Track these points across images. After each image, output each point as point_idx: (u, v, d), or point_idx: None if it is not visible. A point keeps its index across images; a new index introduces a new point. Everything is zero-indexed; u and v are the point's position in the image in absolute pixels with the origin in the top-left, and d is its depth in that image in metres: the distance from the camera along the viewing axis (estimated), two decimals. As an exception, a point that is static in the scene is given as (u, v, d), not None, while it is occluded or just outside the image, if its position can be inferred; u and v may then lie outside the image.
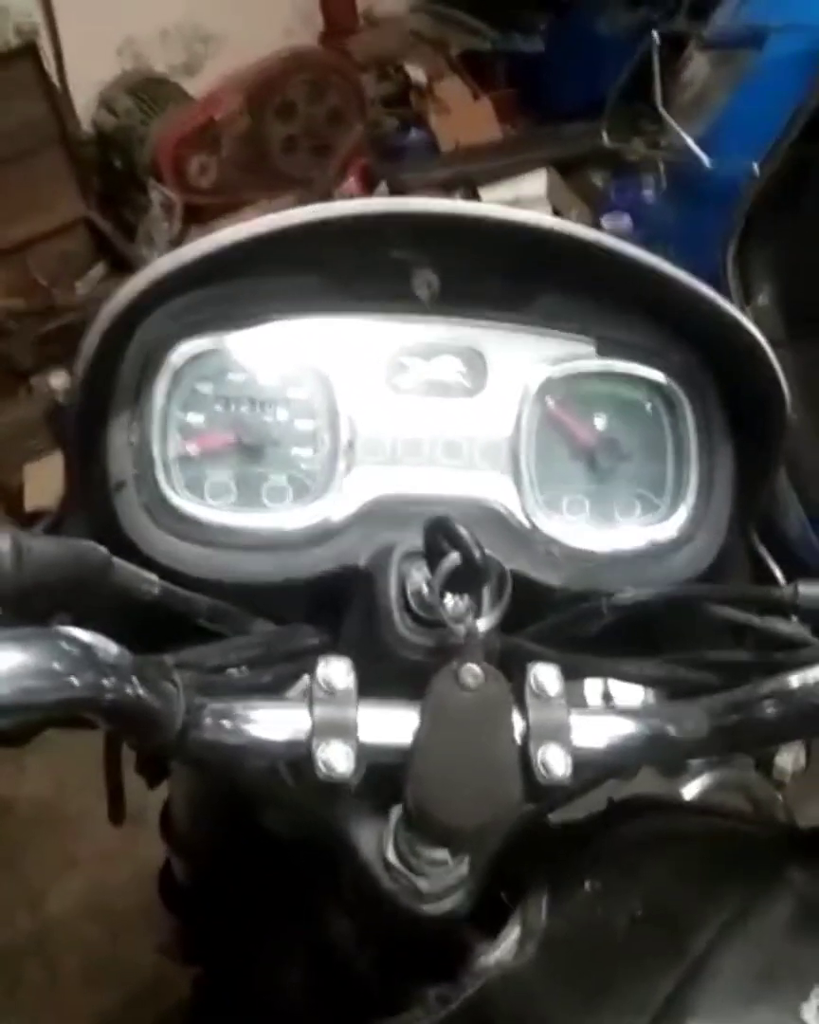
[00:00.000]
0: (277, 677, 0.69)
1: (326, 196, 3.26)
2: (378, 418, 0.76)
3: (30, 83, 3.02)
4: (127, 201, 3.34)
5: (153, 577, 0.64)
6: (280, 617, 0.74)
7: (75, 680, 0.48)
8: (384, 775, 0.61)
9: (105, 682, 0.50)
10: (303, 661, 0.70)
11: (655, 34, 1.66)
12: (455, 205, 0.72)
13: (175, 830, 1.06)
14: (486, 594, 0.63)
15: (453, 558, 0.59)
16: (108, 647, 0.51)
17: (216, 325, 0.74)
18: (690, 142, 1.56)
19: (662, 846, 0.75)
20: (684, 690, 0.69)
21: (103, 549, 0.60)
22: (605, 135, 1.80)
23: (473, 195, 3.32)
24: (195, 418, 0.75)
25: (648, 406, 0.79)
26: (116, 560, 0.61)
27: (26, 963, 2.01)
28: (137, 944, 1.89)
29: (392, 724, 0.60)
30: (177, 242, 3.20)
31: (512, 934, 0.71)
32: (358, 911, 0.76)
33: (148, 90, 3.42)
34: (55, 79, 3.20)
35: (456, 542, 0.59)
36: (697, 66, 1.71)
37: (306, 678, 0.68)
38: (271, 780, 0.66)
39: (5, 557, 0.53)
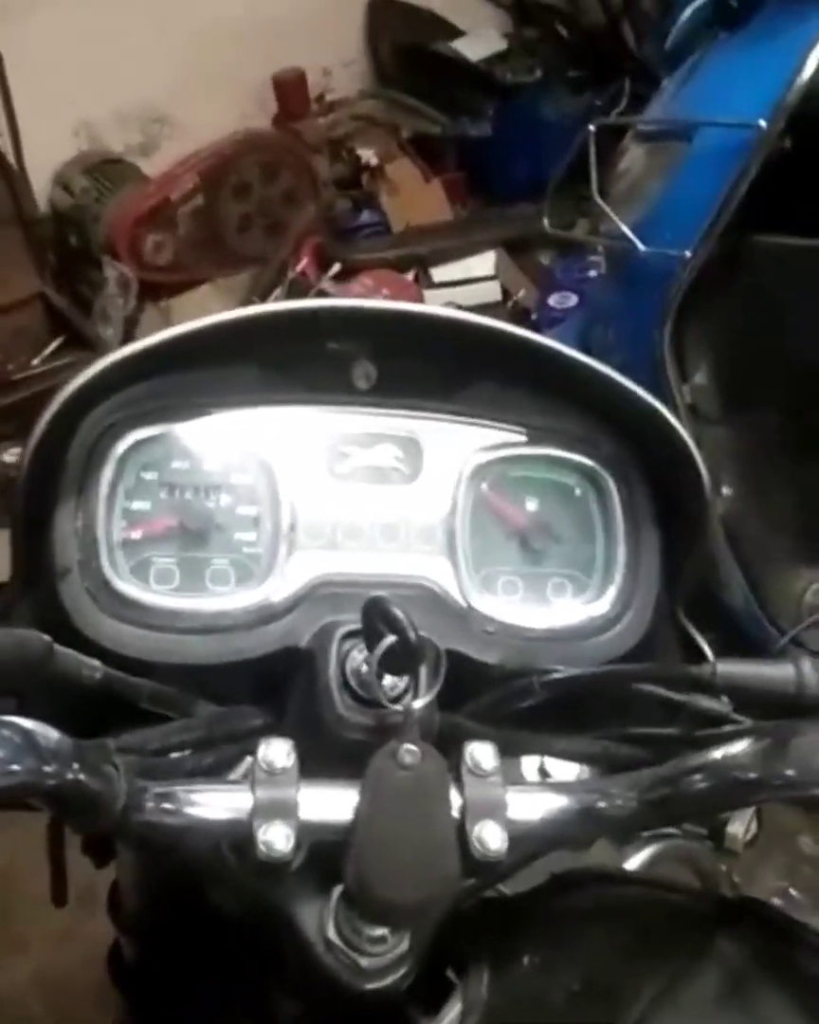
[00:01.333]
0: (220, 759, 0.71)
1: (280, 274, 3.32)
2: (319, 503, 0.79)
3: (-14, 162, 3.06)
4: (83, 278, 3.38)
5: (95, 663, 0.66)
6: (224, 698, 0.76)
7: (16, 767, 0.50)
8: (326, 854, 0.62)
9: (46, 768, 0.52)
10: (246, 742, 0.72)
11: (591, 127, 1.72)
12: (389, 305, 0.77)
13: (122, 910, 1.07)
14: (423, 674, 0.65)
15: (389, 640, 0.62)
16: (48, 733, 0.53)
17: (161, 415, 0.78)
18: (625, 229, 1.62)
19: (600, 918, 0.77)
20: (616, 765, 0.71)
21: (44, 637, 0.62)
22: (546, 221, 1.86)
23: (424, 274, 3.39)
24: (140, 504, 0.77)
25: (577, 490, 0.83)
26: (57, 648, 0.63)
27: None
28: (88, 1024, 1.87)
29: (332, 803, 0.62)
30: (132, 319, 3.25)
31: (454, 1010, 0.73)
32: (301, 990, 0.77)
33: (104, 170, 3.46)
34: (11, 159, 3.23)
35: (392, 624, 0.62)
36: (632, 156, 1.79)
37: (249, 759, 0.70)
38: (214, 860, 0.68)
39: None
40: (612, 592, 0.81)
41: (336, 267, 3.35)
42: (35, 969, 2.06)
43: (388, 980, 0.66)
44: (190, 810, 0.60)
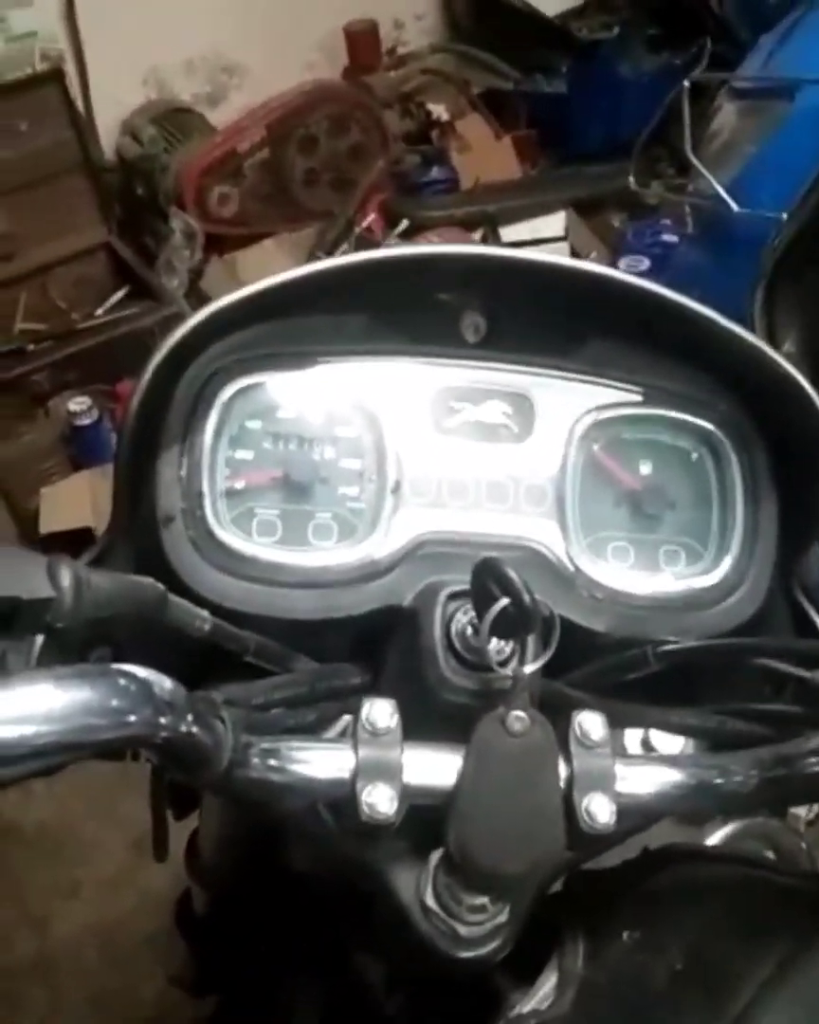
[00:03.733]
0: (320, 716, 0.69)
1: (346, 229, 3.29)
2: (425, 459, 0.77)
3: (55, 108, 3.03)
4: (148, 228, 3.36)
5: (205, 613, 0.64)
6: (323, 655, 0.74)
7: (133, 717, 0.49)
8: (425, 818, 0.61)
9: (161, 720, 0.50)
10: (346, 700, 0.70)
11: (685, 82, 1.67)
12: (507, 252, 0.73)
13: (200, 861, 1.06)
14: (532, 639, 0.63)
15: (502, 603, 0.59)
16: (164, 683, 0.52)
17: (266, 364, 0.75)
18: (720, 189, 1.57)
19: (699, 897, 0.75)
20: (730, 741, 0.69)
21: (159, 585, 0.60)
22: (632, 180, 1.81)
23: (493, 233, 3.34)
24: (243, 454, 0.75)
25: (694, 454, 0.80)
26: (171, 596, 0.61)
27: (28, 988, 2.00)
28: (141, 973, 1.89)
29: (436, 767, 0.61)
30: (197, 270, 3.23)
31: (548, 982, 0.71)
32: (391, 954, 0.76)
33: (172, 119, 3.44)
34: (80, 105, 3.21)
35: (506, 586, 0.59)
36: (726, 115, 1.73)
37: (347, 717, 0.68)
38: (312, 819, 0.67)
39: (66, 591, 0.53)
40: (727, 562, 0.77)
41: (403, 224, 3.30)
42: (88, 915, 2.08)
43: (485, 950, 0.64)
44: (294, 768, 0.59)
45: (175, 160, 3.30)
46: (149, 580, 0.60)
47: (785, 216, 1.50)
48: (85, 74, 3.29)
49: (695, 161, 1.62)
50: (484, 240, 3.40)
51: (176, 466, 0.73)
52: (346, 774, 0.59)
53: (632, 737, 0.77)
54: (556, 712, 0.64)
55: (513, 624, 0.60)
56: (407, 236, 3.32)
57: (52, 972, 2.03)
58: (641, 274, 3.10)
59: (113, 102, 3.39)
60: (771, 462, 0.79)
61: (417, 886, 0.64)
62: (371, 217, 3.32)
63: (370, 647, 0.74)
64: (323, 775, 0.59)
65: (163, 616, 0.61)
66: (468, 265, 0.74)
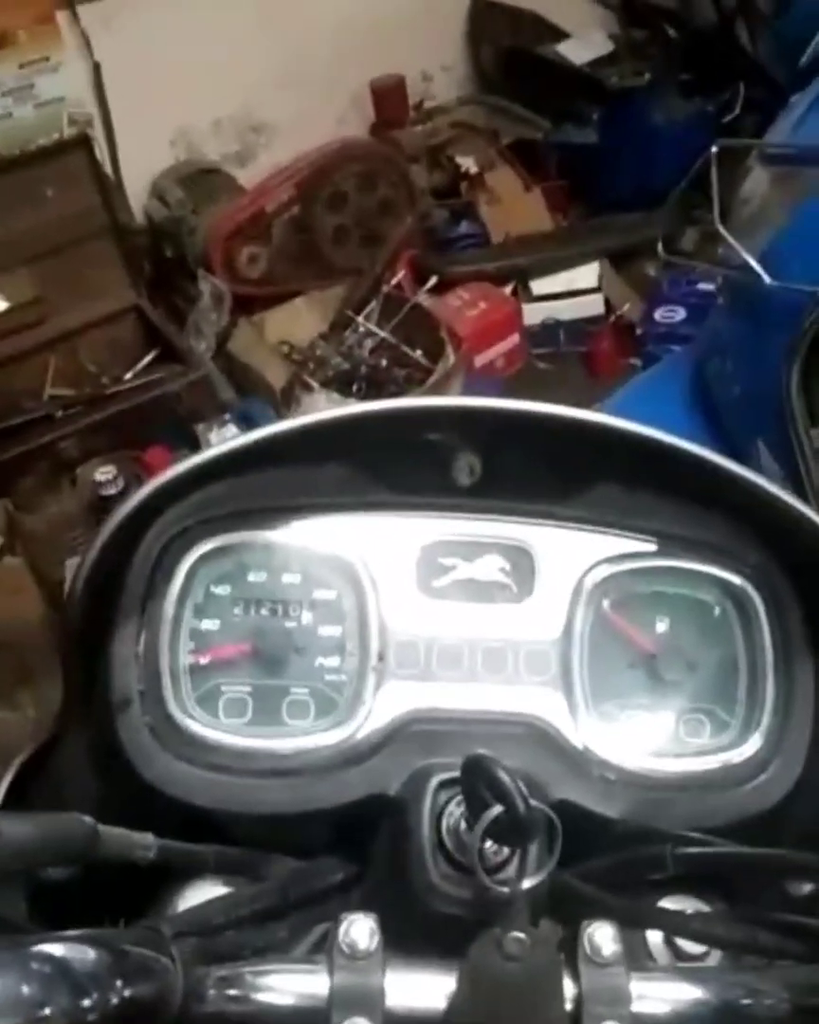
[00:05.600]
0: (293, 926, 0.62)
1: (375, 286, 3.25)
2: (412, 625, 0.70)
3: (83, 173, 3.02)
4: (177, 290, 3.34)
5: (148, 839, 0.57)
6: (299, 848, 0.67)
7: (48, 1010, 0.42)
8: None
9: (85, 1002, 0.44)
10: (325, 904, 0.64)
11: (714, 148, 1.60)
12: (501, 404, 0.67)
13: None
14: (533, 848, 0.56)
15: (494, 810, 0.53)
16: (84, 955, 0.45)
17: (234, 522, 0.69)
18: (751, 261, 1.50)
19: None
20: (764, 954, 0.61)
21: (87, 821, 0.53)
22: (660, 247, 1.74)
23: (524, 287, 3.29)
24: (209, 624, 0.69)
25: (717, 610, 0.72)
26: (103, 829, 0.54)
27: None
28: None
29: (423, 992, 0.54)
30: (225, 332, 3.20)
31: None
32: None
33: (200, 180, 3.43)
34: (108, 169, 3.22)
35: (498, 791, 0.53)
36: (756, 180, 1.66)
37: (325, 925, 0.62)
38: None
39: None
40: (758, 733, 0.69)
41: (433, 280, 3.26)
42: None
43: None
44: (259, 997, 0.53)
45: (203, 221, 3.29)
46: (73, 817, 0.53)
47: (820, 290, 1.42)
48: (112, 137, 3.29)
49: (724, 232, 1.54)
50: (515, 293, 3.35)
51: (133, 642, 0.67)
52: (320, 1004, 0.52)
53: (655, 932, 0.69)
54: (564, 914, 0.57)
55: (508, 833, 0.54)
56: (437, 291, 3.27)
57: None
58: (676, 325, 3.04)
59: (141, 164, 3.39)
60: (805, 618, 0.71)
61: None
62: (401, 273, 3.29)
63: (353, 837, 0.67)
64: (293, 1004, 0.53)
65: (96, 851, 0.54)
66: (458, 415, 0.68)
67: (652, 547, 0.72)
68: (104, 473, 2.76)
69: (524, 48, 3.72)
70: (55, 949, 0.44)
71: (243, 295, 3.26)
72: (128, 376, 3.13)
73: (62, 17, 3.08)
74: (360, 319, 3.15)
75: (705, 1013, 0.56)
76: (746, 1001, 0.56)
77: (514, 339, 3.25)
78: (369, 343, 3.11)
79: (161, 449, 2.81)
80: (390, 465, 0.71)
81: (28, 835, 0.50)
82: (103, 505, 2.78)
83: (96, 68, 3.20)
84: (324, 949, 0.56)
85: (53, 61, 3.13)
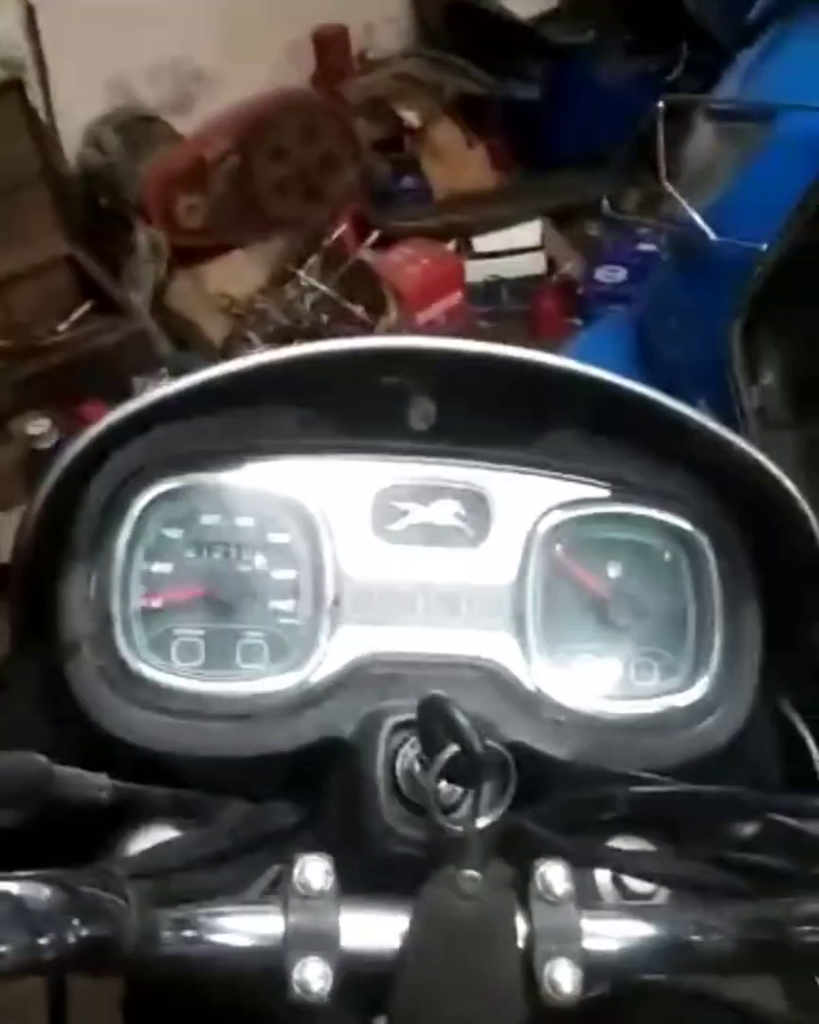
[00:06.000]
0: (248, 867, 0.62)
1: (317, 240, 3.21)
2: (367, 568, 0.69)
3: (15, 118, 2.94)
4: (113, 240, 3.26)
5: (103, 780, 0.57)
6: (252, 792, 0.67)
7: (4, 948, 0.42)
8: (368, 980, 0.54)
9: (41, 941, 0.43)
10: (277, 846, 0.63)
11: (660, 103, 1.60)
12: (458, 344, 0.66)
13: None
14: (486, 788, 0.56)
15: (450, 750, 0.53)
16: (39, 893, 0.45)
17: (187, 464, 0.68)
18: (697, 218, 1.50)
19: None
20: (711, 893, 0.62)
21: (41, 760, 0.53)
22: (606, 204, 1.74)
23: (466, 243, 3.27)
24: (161, 568, 0.68)
25: (667, 555, 0.73)
26: (58, 769, 0.53)
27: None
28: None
29: (377, 931, 0.55)
30: (163, 284, 3.14)
31: None
32: None
33: (137, 128, 3.34)
34: (42, 115, 3.13)
35: (453, 731, 0.53)
36: (702, 137, 1.66)
37: (278, 867, 0.62)
38: (238, 991, 0.60)
39: None
40: (706, 677, 0.70)
41: (375, 235, 3.23)
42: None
43: None
44: (213, 938, 0.53)
45: (140, 170, 3.21)
46: (27, 756, 0.52)
47: (764, 247, 1.43)
48: (46, 82, 3.19)
49: (670, 189, 1.54)
50: (458, 250, 3.34)
51: (84, 584, 0.65)
52: (274, 944, 0.52)
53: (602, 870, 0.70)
54: (516, 852, 0.58)
55: (464, 772, 0.54)
56: (379, 247, 3.24)
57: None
58: (618, 285, 3.05)
59: (76, 111, 3.30)
60: (753, 565, 0.71)
61: None
62: (342, 227, 3.24)
63: (306, 780, 0.67)
64: (248, 945, 0.53)
65: (51, 791, 0.53)
66: (413, 356, 0.67)
67: (605, 493, 0.72)
68: (38, 426, 2.72)
69: (468, 1, 3.67)
70: (10, 888, 0.44)
71: (181, 246, 3.20)
72: (62, 328, 3.06)
73: (-6, -44, 2.99)
74: (301, 273, 3.11)
75: (654, 949, 0.57)
76: (695, 937, 0.57)
77: (456, 296, 3.23)
78: (310, 298, 3.08)
79: (97, 403, 2.75)
80: (346, 409, 0.70)
81: None
82: (37, 459, 2.73)
83: (29, 10, 3.10)
84: (278, 891, 0.56)
85: (-16, 2, 3.04)
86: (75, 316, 3.08)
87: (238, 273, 3.23)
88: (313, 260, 3.17)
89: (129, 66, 3.40)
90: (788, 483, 0.67)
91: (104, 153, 3.30)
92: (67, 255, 3.11)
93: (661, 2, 3.54)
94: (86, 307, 3.09)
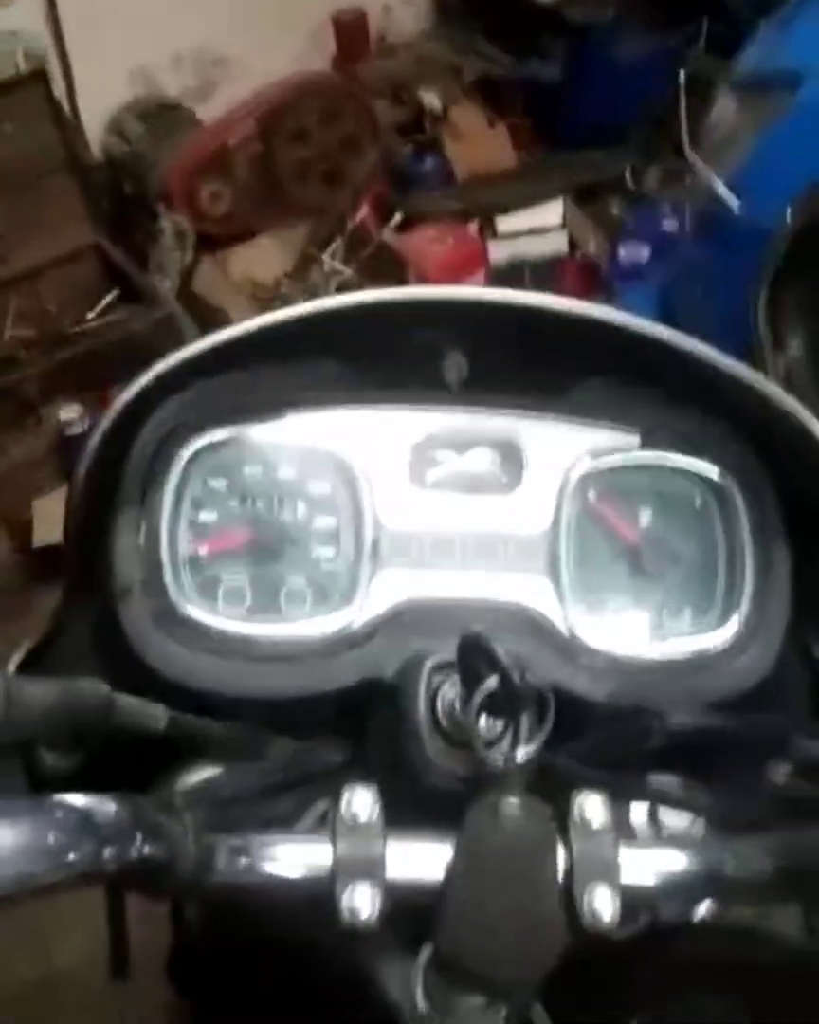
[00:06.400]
0: (297, 802, 0.64)
1: (340, 224, 3.22)
2: (405, 515, 0.71)
3: (40, 109, 2.96)
4: (139, 228, 3.29)
5: (160, 710, 0.59)
6: (299, 731, 0.69)
7: (73, 855, 0.44)
8: (414, 909, 0.56)
9: (106, 851, 0.46)
10: (325, 783, 0.66)
11: (682, 73, 1.60)
12: (489, 294, 0.68)
13: (185, 928, 1.02)
14: (525, 720, 0.58)
15: (490, 683, 0.55)
16: (105, 807, 0.47)
17: (230, 417, 0.70)
18: (719, 186, 1.51)
19: (713, 978, 0.70)
20: (746, 823, 0.63)
21: (104, 687, 0.55)
22: (629, 177, 1.75)
23: (489, 224, 3.27)
24: (207, 516, 0.70)
25: (698, 502, 0.74)
26: (118, 698, 0.56)
27: (30, 1014, 1.96)
28: (146, 991, 1.84)
29: (422, 860, 0.56)
30: (188, 270, 3.17)
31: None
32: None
33: (160, 116, 3.37)
34: (65, 105, 3.16)
35: (493, 665, 0.55)
36: (724, 106, 1.67)
37: (326, 802, 0.64)
38: (291, 916, 0.62)
39: None
40: (736, 619, 0.72)
41: (397, 217, 3.23)
42: (92, 935, 2.04)
43: None
44: (266, 866, 0.55)
45: (164, 157, 3.23)
46: (91, 683, 0.55)
47: (788, 214, 1.43)
48: (69, 73, 3.23)
49: (694, 158, 1.55)
50: (481, 230, 3.34)
51: (133, 533, 0.68)
52: (324, 872, 0.54)
53: (638, 806, 0.71)
54: (555, 789, 0.59)
55: (503, 705, 0.56)
56: (402, 229, 3.25)
57: (55, 996, 1.99)
58: (642, 264, 3.04)
59: (99, 100, 3.33)
60: (782, 511, 0.73)
61: (407, 985, 0.60)
62: (365, 211, 3.25)
63: (350, 720, 0.69)
64: (299, 874, 0.55)
65: (110, 720, 0.55)
66: (447, 307, 0.69)
67: (636, 441, 0.74)
68: (70, 412, 2.75)
69: (487, -19, 3.67)
70: (80, 801, 0.46)
71: (206, 233, 3.23)
72: (90, 316, 3.10)
73: (16, -52, 3.01)
74: (325, 257, 3.13)
75: (691, 879, 0.58)
76: (730, 866, 0.58)
77: (480, 277, 3.24)
78: (334, 281, 3.10)
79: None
80: (381, 363, 0.72)
81: (50, 697, 0.51)
82: (69, 444, 2.77)
83: (51, 2, 3.12)
84: (326, 822, 0.58)
85: (6, -5, 3.06)
86: (102, 304, 3.12)
87: (262, 258, 3.25)
88: (336, 243, 3.18)
89: (151, 54, 3.42)
90: (816, 426, 0.68)
91: (128, 141, 3.33)
92: (93, 243, 3.15)
93: (681, -23, 3.54)
94: (113, 295, 3.13)
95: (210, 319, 3.14)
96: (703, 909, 0.85)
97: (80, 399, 2.81)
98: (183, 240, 3.16)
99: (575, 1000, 0.69)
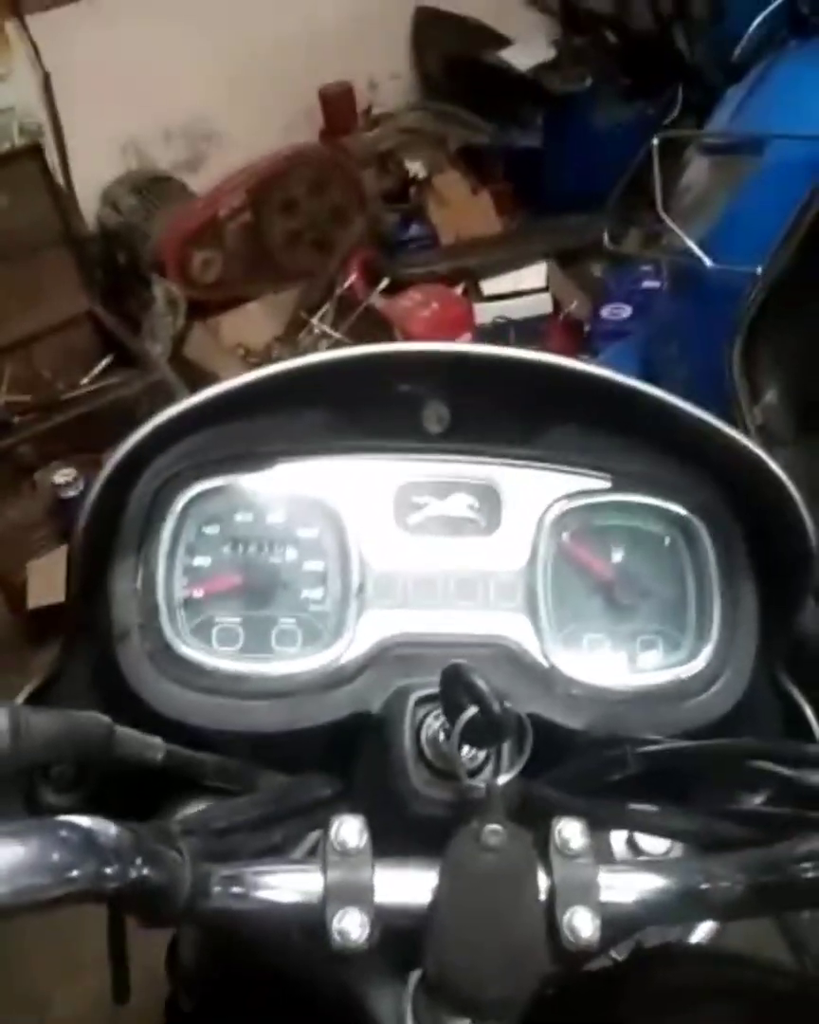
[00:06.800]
0: (288, 833, 0.67)
1: (328, 289, 3.29)
2: (390, 558, 0.75)
3: (35, 182, 3.04)
4: (131, 296, 3.36)
5: (158, 742, 0.62)
6: (290, 766, 0.72)
7: (76, 872, 0.47)
8: (402, 936, 0.58)
9: (107, 870, 0.48)
10: (315, 815, 0.68)
11: (655, 140, 1.67)
12: (464, 347, 0.72)
13: (182, 964, 1.03)
14: (506, 748, 0.61)
15: (471, 712, 0.57)
16: (108, 829, 0.49)
17: (222, 466, 0.74)
18: (692, 245, 1.57)
19: (693, 1003, 0.72)
20: (718, 844, 0.66)
21: (105, 720, 0.58)
22: (606, 238, 1.81)
23: (474, 287, 3.34)
24: (201, 561, 0.73)
25: (667, 540, 0.78)
26: (119, 729, 0.59)
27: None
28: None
29: (410, 886, 0.58)
30: (181, 336, 3.23)
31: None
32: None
33: (152, 187, 3.45)
34: (59, 177, 3.23)
35: (474, 694, 0.57)
36: (697, 169, 1.73)
37: (317, 833, 0.66)
38: (283, 943, 0.64)
39: (2, 735, 0.51)
40: (707, 650, 0.75)
41: (385, 282, 3.31)
42: (90, 993, 2.03)
43: None
44: (259, 894, 0.56)
45: (156, 228, 3.31)
46: (93, 716, 0.57)
47: (759, 271, 1.49)
48: (63, 146, 3.31)
49: (667, 219, 1.61)
50: (466, 293, 3.41)
51: (131, 578, 0.71)
52: (315, 899, 0.56)
53: (617, 834, 0.74)
54: (535, 816, 0.62)
55: (484, 733, 0.58)
56: (389, 293, 3.32)
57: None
58: (623, 322, 3.11)
59: (92, 173, 3.41)
60: (747, 547, 0.76)
61: (397, 1010, 0.61)
62: (353, 276, 3.33)
63: (339, 754, 0.72)
64: (291, 900, 0.57)
65: (110, 751, 0.58)
66: (426, 361, 0.73)
67: (607, 484, 0.77)
68: (64, 475, 2.79)
69: (468, 55, 3.78)
70: (85, 822, 0.48)
71: (197, 300, 3.29)
72: (84, 381, 3.15)
73: (11, 27, 3.10)
74: (315, 321, 3.19)
75: (667, 899, 0.60)
76: (704, 885, 0.60)
77: (467, 338, 3.31)
78: (324, 345, 3.15)
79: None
80: (366, 414, 0.75)
81: (54, 728, 0.54)
82: (63, 507, 2.80)
83: (46, 78, 3.22)
84: (317, 853, 0.60)
85: (2, 71, 3.15)
86: (96, 370, 3.17)
87: (253, 323, 3.31)
88: (326, 308, 3.24)
89: (142, 129, 3.52)
90: (777, 470, 0.71)
91: (121, 213, 3.41)
92: (87, 311, 3.21)
93: (655, 47, 3.65)
94: (107, 361, 3.19)
95: (202, 383, 3.13)
96: (696, 934, 0.87)
97: (75, 463, 2.84)
98: (175, 307, 3.22)
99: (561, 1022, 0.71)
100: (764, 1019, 0.69)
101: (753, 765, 0.66)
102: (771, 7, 1.65)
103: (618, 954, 0.75)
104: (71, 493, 2.77)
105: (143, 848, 0.50)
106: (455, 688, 0.58)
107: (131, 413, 2.96)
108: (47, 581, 2.63)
